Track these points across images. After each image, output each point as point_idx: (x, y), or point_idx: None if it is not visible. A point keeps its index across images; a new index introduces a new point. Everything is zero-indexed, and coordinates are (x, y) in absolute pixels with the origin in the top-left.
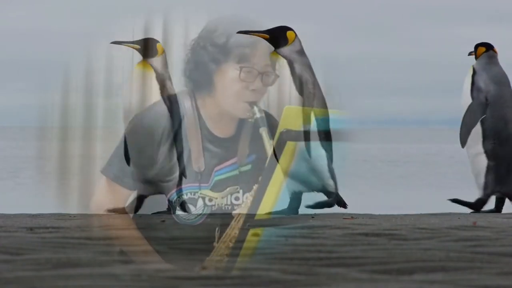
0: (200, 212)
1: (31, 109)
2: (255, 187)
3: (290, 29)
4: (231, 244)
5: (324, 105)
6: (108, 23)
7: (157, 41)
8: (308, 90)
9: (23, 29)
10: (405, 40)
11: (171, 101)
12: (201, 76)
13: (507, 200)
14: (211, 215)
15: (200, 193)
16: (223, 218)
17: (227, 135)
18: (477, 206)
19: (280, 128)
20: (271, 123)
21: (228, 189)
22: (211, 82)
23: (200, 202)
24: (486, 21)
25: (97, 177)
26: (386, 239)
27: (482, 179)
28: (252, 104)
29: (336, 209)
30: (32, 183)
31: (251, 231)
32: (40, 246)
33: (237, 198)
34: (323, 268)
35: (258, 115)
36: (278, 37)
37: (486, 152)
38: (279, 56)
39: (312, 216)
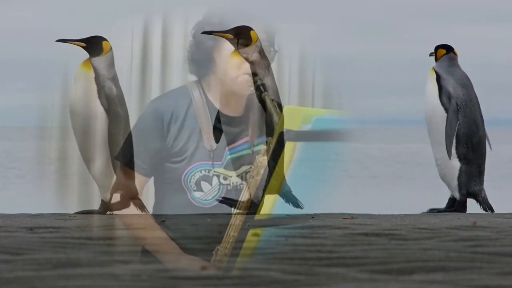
0: (216, 193)
1: (31, 109)
2: (263, 147)
3: (252, 29)
4: (232, 244)
5: (279, 109)
6: (108, 23)
7: (104, 39)
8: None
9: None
10: (405, 40)
11: (109, 102)
12: (201, 54)
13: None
14: (212, 215)
15: (214, 171)
16: (224, 218)
17: (237, 113)
18: (459, 208)
19: (280, 128)
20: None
21: (242, 167)
22: (211, 58)
23: (215, 180)
24: (486, 21)
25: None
26: (386, 239)
27: (455, 182)
28: (253, 75)
29: (336, 209)
30: (32, 183)
31: (251, 231)
32: (40, 246)
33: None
34: (323, 268)
35: (259, 82)
36: (242, 37)
37: (458, 156)
38: (241, 56)
39: (312, 216)
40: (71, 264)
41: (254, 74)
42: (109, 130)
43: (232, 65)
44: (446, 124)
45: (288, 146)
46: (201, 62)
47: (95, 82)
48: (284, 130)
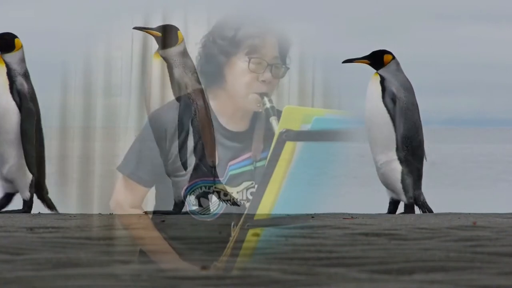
0: (216, 207)
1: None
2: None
3: (178, 29)
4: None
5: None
6: (108, 23)
7: (15, 36)
8: (188, 96)
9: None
10: (405, 40)
11: (21, 98)
12: (212, 69)
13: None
14: (226, 214)
15: (215, 187)
16: (224, 218)
17: (241, 129)
18: (408, 210)
19: (280, 128)
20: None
21: (243, 184)
22: (222, 74)
23: (215, 197)
24: (486, 21)
25: (100, 177)
26: (386, 239)
27: (399, 185)
28: (263, 95)
29: (336, 209)
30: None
31: (251, 231)
32: (40, 246)
33: (252, 194)
34: (323, 268)
35: (268, 105)
36: (168, 36)
37: (399, 158)
38: (160, 57)
39: (312, 216)
40: (71, 264)
41: (172, 73)
42: (22, 126)
43: (243, 83)
44: (396, 123)
45: (288, 146)
46: (210, 76)
47: (7, 77)
48: (284, 130)
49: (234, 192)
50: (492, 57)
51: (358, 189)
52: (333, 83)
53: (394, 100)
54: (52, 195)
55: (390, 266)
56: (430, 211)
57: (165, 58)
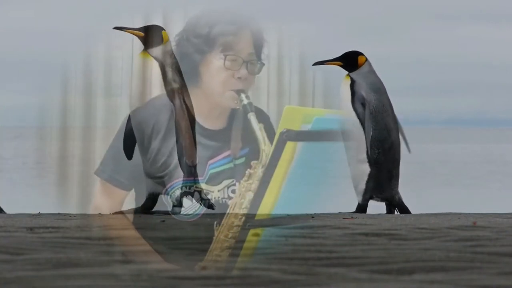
0: (198, 207)
1: (31, 109)
2: (248, 171)
3: (163, 28)
4: (226, 244)
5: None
6: (108, 23)
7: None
8: (180, 96)
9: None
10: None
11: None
12: (187, 68)
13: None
14: (211, 214)
15: (196, 187)
16: (222, 217)
17: (219, 127)
18: (359, 210)
19: (280, 128)
20: (263, 118)
21: (224, 182)
22: (197, 73)
23: (196, 196)
24: (486, 21)
25: (95, 178)
26: (386, 239)
27: (362, 186)
28: (239, 92)
29: (336, 209)
30: (32, 183)
31: (251, 231)
32: (40, 246)
33: (233, 191)
34: (323, 268)
35: (245, 101)
36: (152, 36)
37: (369, 161)
38: (150, 56)
39: (312, 216)
40: (71, 264)
41: (165, 73)
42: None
43: (219, 81)
44: (365, 127)
45: (289, 146)
46: (186, 74)
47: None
48: (284, 130)
49: (215, 190)
50: (492, 57)
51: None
52: (333, 83)
53: (363, 104)
54: (52, 195)
55: (390, 266)
56: (407, 211)
57: (155, 58)
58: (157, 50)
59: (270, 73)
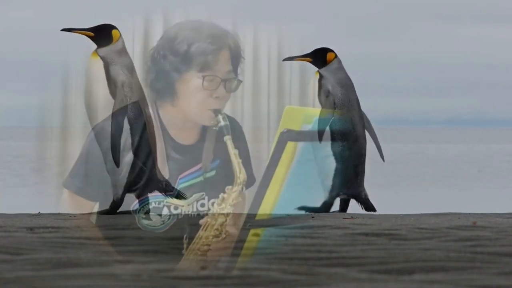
0: (166, 220)
1: (31, 109)
2: (222, 195)
3: (115, 27)
4: (206, 247)
5: (138, 108)
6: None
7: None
8: (123, 93)
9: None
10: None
11: None
12: (163, 85)
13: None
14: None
15: (166, 202)
16: (224, 218)
17: (191, 142)
18: (324, 209)
19: (281, 128)
20: (235, 129)
21: (194, 196)
22: (174, 91)
23: (165, 211)
24: (486, 21)
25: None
26: (386, 239)
27: (329, 182)
28: (217, 111)
29: (336, 209)
30: (32, 183)
31: (251, 231)
32: (40, 246)
33: (202, 205)
34: (323, 268)
35: (222, 123)
36: (102, 35)
37: (334, 154)
38: (98, 56)
39: (312, 216)
40: (71, 264)
41: (108, 71)
42: None
43: (196, 100)
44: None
45: (289, 146)
46: (162, 92)
47: None
48: (285, 130)
49: (185, 205)
50: (492, 57)
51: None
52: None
53: (328, 97)
54: (52, 195)
55: (390, 266)
56: (372, 208)
57: (101, 57)
58: (105, 50)
59: (270, 73)
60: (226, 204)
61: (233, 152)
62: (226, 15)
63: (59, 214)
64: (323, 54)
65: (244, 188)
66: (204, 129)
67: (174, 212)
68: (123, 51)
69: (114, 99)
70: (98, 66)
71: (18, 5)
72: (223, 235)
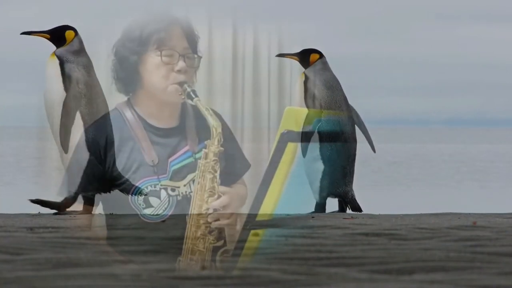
0: (167, 205)
1: (31, 109)
2: (204, 150)
3: (70, 28)
4: (199, 245)
5: (91, 105)
6: (108, 23)
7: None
8: (76, 89)
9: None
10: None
11: None
12: (126, 71)
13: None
14: (182, 215)
15: (161, 185)
16: (224, 218)
17: (172, 125)
18: (319, 210)
19: (281, 129)
20: (215, 113)
21: (188, 176)
22: (138, 74)
23: (163, 193)
24: (486, 21)
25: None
26: (386, 239)
27: (317, 184)
28: (182, 83)
29: (336, 209)
30: (32, 183)
31: (252, 232)
32: (40, 246)
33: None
34: (323, 268)
35: (189, 89)
36: (58, 37)
37: (322, 156)
38: (55, 56)
39: (312, 216)
40: (71, 264)
41: (63, 69)
42: None
43: (160, 76)
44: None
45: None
46: (127, 79)
47: None
48: (285, 131)
49: (181, 186)
50: (492, 57)
51: (358, 189)
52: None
53: (314, 101)
54: (52, 195)
55: (390, 266)
56: (359, 208)
57: (58, 57)
58: (60, 50)
59: (271, 74)
60: (210, 157)
61: (204, 108)
62: (226, 15)
63: (59, 214)
64: (308, 55)
65: (221, 139)
66: (183, 114)
67: (172, 194)
68: (80, 51)
69: (66, 92)
70: (54, 65)
71: (18, 5)
72: (220, 235)
